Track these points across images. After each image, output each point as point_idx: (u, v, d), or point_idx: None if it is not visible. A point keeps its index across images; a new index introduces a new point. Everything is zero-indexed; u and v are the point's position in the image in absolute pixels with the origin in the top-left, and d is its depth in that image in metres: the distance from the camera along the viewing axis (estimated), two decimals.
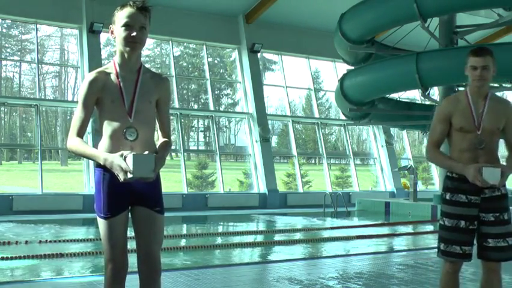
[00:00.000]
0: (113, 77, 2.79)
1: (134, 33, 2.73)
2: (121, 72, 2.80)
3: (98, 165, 2.77)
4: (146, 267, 2.81)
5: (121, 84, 2.78)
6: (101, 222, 2.78)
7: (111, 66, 2.84)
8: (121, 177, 2.60)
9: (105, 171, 2.73)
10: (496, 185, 3.24)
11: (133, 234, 2.87)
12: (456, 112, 3.35)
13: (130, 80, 2.81)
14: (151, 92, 2.85)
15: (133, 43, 2.75)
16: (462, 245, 3.28)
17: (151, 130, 2.87)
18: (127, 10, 2.75)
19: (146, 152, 2.70)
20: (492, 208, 3.28)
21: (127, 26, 2.73)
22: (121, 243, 2.78)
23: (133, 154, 2.59)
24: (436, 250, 3.45)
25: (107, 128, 2.77)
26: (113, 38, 2.83)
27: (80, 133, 2.76)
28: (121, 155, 2.61)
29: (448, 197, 3.35)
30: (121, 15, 2.75)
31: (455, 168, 3.30)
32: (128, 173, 2.57)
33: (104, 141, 2.77)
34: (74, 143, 2.74)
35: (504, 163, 3.39)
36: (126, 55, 2.80)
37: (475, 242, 3.36)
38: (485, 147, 3.31)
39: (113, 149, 2.70)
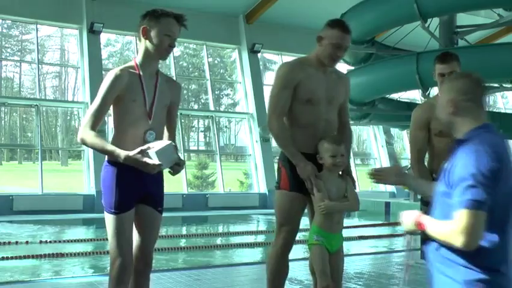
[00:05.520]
0: (136, 76, 2.84)
1: (172, 45, 2.84)
2: (143, 73, 2.86)
3: (111, 161, 2.80)
4: (142, 263, 2.87)
5: (143, 85, 2.84)
6: (111, 218, 2.79)
7: (132, 66, 2.88)
8: (152, 172, 2.69)
9: (120, 167, 2.76)
10: None
11: None
12: (433, 117, 3.35)
13: (149, 82, 2.87)
14: (166, 96, 2.93)
15: (168, 52, 2.87)
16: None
17: (163, 132, 2.97)
18: (170, 21, 2.82)
19: (162, 143, 2.75)
20: None
21: (169, 36, 2.81)
22: (129, 239, 2.82)
23: (156, 151, 2.66)
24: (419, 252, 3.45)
25: (125, 127, 2.82)
26: (143, 37, 2.84)
27: (95, 127, 2.77)
28: (140, 152, 2.66)
29: (425, 197, 3.34)
30: (166, 24, 2.81)
31: None
32: (157, 168, 2.68)
33: (119, 139, 2.81)
34: (89, 136, 2.75)
35: None
36: (152, 59, 2.87)
37: None
38: None
39: (128, 148, 2.73)
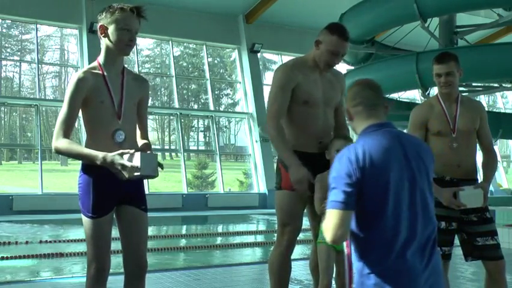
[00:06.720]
0: (100, 77, 2.78)
1: (132, 39, 2.76)
2: (108, 73, 2.80)
3: (84, 169, 2.75)
4: (135, 265, 2.81)
5: (109, 86, 2.78)
6: (88, 222, 2.74)
7: (96, 66, 2.82)
8: (126, 175, 2.59)
9: (95, 174, 2.71)
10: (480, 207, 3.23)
11: (117, 234, 2.85)
12: (431, 117, 3.37)
13: (115, 81, 2.81)
14: (135, 94, 2.87)
15: (129, 47, 2.78)
16: (442, 246, 3.26)
17: (135, 131, 2.90)
18: (127, 14, 2.74)
19: (148, 152, 2.74)
20: (472, 210, 3.27)
21: (126, 30, 2.74)
22: (107, 243, 2.77)
23: (141, 153, 2.61)
24: None
25: (95, 129, 2.76)
26: (103, 36, 2.79)
27: (68, 134, 2.70)
28: (121, 154, 2.60)
29: None
30: (120, 18, 2.73)
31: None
32: (135, 171, 2.58)
33: (91, 142, 2.74)
34: (63, 144, 2.68)
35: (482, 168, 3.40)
36: (114, 57, 2.81)
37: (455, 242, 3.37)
38: (462, 150, 3.32)
39: (100, 150, 2.66)
